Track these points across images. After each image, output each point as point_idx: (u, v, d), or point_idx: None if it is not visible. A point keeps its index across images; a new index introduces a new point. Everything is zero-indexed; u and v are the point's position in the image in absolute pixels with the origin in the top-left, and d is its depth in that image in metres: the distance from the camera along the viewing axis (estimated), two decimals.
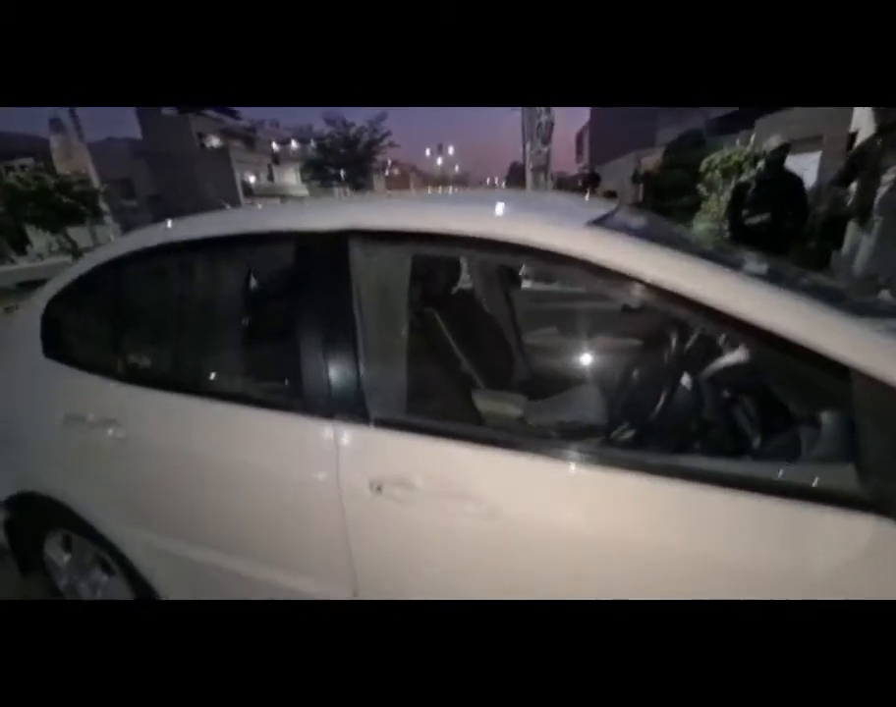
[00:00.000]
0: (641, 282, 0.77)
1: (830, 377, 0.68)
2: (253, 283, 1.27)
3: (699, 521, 0.75)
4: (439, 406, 1.14)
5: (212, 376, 1.21)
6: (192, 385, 1.15)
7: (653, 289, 0.76)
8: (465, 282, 2.23)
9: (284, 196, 39.89)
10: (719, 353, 1.14)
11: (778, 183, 3.75)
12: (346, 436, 0.96)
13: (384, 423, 0.95)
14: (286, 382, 1.08)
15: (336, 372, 0.97)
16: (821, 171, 7.14)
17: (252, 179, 35.80)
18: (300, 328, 1.01)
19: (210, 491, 1.12)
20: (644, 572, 0.79)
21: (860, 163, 3.28)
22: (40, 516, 1.48)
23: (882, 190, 3.16)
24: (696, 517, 0.75)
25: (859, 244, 3.31)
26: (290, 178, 40.99)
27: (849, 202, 3.43)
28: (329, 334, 0.98)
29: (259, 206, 1.38)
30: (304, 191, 41.64)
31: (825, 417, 0.81)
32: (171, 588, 1.35)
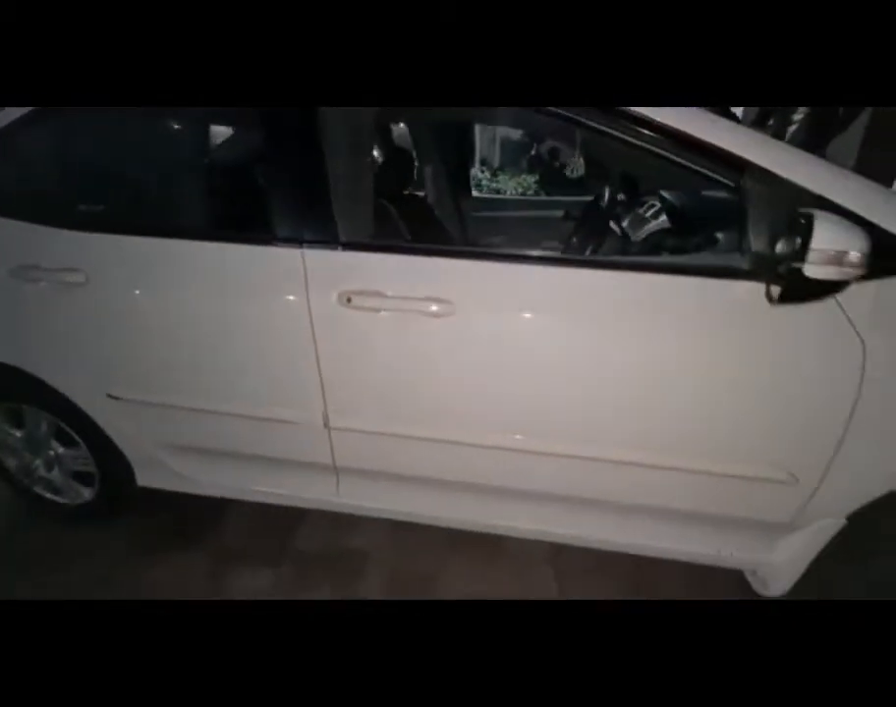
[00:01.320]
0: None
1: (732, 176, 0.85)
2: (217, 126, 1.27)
3: (630, 300, 0.92)
4: (402, 227, 1.24)
5: (177, 216, 1.22)
6: (155, 227, 1.15)
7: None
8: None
9: None
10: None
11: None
12: (316, 259, 1.03)
13: (353, 245, 1.03)
14: (254, 216, 1.12)
15: (307, 203, 1.03)
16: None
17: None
18: (271, 165, 1.05)
19: (182, 330, 1.15)
20: (581, 350, 0.96)
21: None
22: None
23: (791, 129, 3.53)
24: (627, 297, 0.92)
25: None
26: None
27: None
28: (299, 169, 1.03)
29: None
30: None
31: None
32: (140, 445, 1.37)
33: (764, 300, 0.84)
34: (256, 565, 1.45)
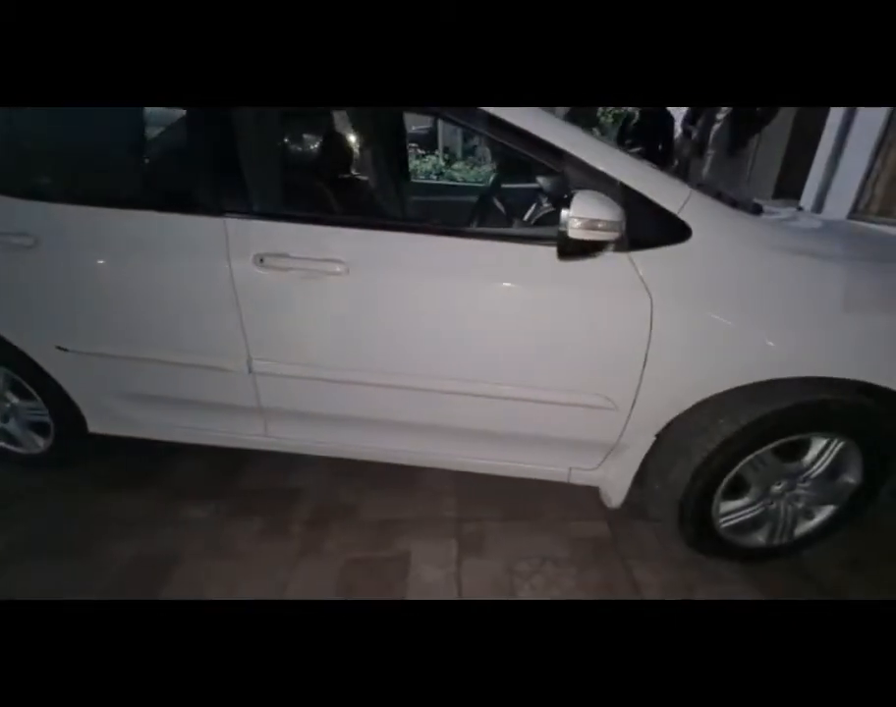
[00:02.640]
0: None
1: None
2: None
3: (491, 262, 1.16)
4: (308, 202, 1.45)
5: (117, 188, 1.39)
6: (98, 197, 1.32)
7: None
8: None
9: None
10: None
11: (653, 118, 4.34)
12: (235, 226, 1.23)
13: (265, 215, 1.24)
14: (181, 188, 1.30)
15: (226, 176, 1.23)
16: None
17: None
18: (196, 146, 1.25)
19: (120, 288, 1.33)
20: (444, 301, 1.19)
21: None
22: None
23: (715, 128, 3.84)
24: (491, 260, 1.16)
25: (698, 174, 4.02)
26: None
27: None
28: (220, 146, 1.22)
29: None
30: None
31: None
32: (89, 393, 1.55)
33: (551, 259, 1.08)
34: (200, 499, 1.66)
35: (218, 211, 1.24)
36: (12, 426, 1.71)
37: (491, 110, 1.10)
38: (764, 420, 1.14)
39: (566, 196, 0.99)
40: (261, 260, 1.21)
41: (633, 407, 1.19)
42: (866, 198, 4.05)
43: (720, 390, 1.13)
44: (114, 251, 1.31)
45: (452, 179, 5.21)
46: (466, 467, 1.46)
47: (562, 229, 0.98)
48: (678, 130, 4.38)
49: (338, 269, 1.19)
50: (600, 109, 8.48)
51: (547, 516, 1.58)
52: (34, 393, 1.60)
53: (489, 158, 6.90)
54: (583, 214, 0.94)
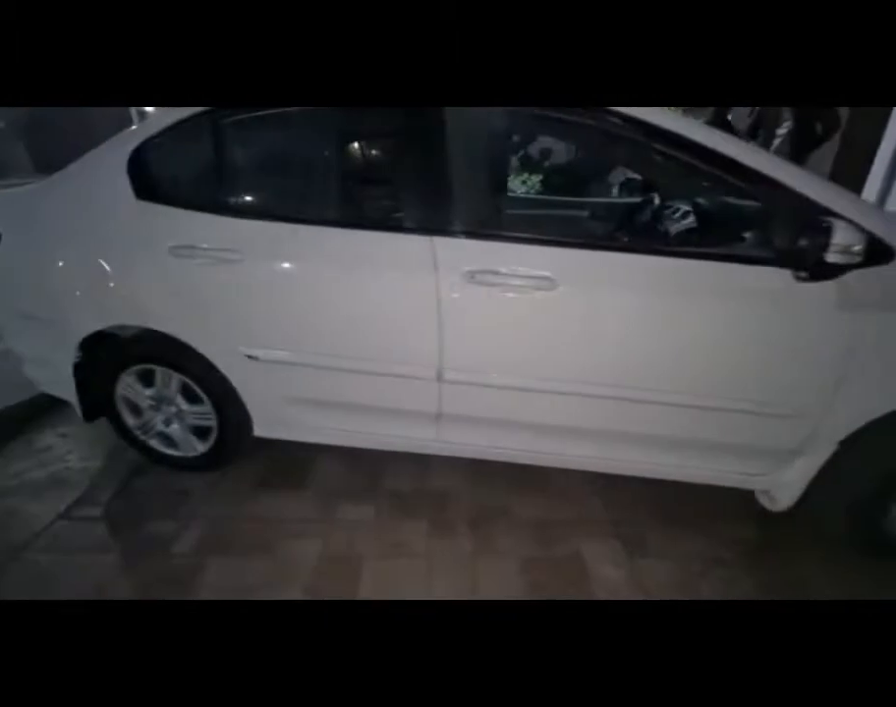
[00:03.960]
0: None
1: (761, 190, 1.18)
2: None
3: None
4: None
5: (327, 208, 1.48)
6: (306, 216, 1.41)
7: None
8: None
9: None
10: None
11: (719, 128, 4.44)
12: (444, 245, 1.32)
13: (472, 234, 1.32)
14: (391, 208, 1.39)
15: (434, 198, 1.32)
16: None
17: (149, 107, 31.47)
18: (404, 166, 1.34)
19: (319, 300, 1.42)
20: (648, 317, 1.28)
21: (762, 118, 4.06)
22: (124, 351, 1.66)
23: (776, 143, 3.95)
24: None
25: None
26: None
27: None
28: (429, 168, 1.32)
29: None
30: None
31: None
32: (266, 399, 1.63)
33: (780, 279, 1.17)
34: (356, 499, 1.74)
35: (427, 230, 1.33)
36: (174, 430, 1.79)
37: (690, 133, 1.18)
38: None
39: (809, 223, 1.07)
40: (472, 276, 1.30)
41: (823, 416, 1.28)
42: None
43: None
44: (318, 266, 1.40)
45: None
46: (638, 472, 1.54)
47: (816, 254, 1.06)
48: None
49: (546, 285, 1.28)
50: None
51: (699, 518, 1.66)
52: (205, 398, 1.68)
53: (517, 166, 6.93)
54: (842, 241, 1.03)
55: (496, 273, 1.29)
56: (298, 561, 1.49)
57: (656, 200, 1.68)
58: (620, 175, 2.00)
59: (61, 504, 1.72)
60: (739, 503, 1.56)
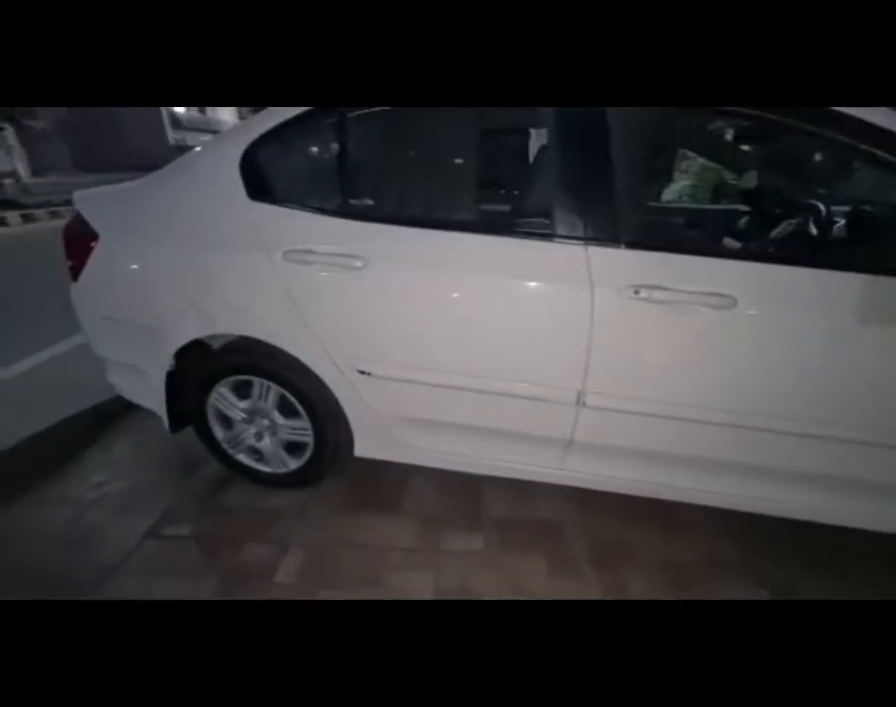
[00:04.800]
0: None
1: None
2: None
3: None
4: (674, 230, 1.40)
5: (462, 211, 1.35)
6: (438, 221, 1.29)
7: None
8: None
9: (218, 132, 36.46)
10: None
11: None
12: (600, 256, 1.18)
13: (633, 244, 1.18)
14: (543, 214, 1.25)
15: (591, 203, 1.18)
16: None
17: (180, 109, 32.18)
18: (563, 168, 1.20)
19: (446, 313, 1.29)
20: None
21: None
22: (222, 361, 1.55)
23: None
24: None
25: None
26: (224, 113, 37.44)
27: None
28: (588, 172, 1.18)
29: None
30: None
31: None
32: (375, 417, 1.50)
33: None
34: (458, 527, 1.60)
35: (581, 239, 1.19)
36: (265, 444, 1.68)
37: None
38: None
39: None
40: (636, 291, 1.15)
41: None
42: None
43: None
44: (450, 276, 1.27)
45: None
46: (785, 513, 1.37)
47: None
48: None
49: (723, 303, 1.13)
50: None
51: (839, 558, 1.49)
52: (304, 413, 1.56)
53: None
54: None
55: (664, 289, 1.14)
56: (413, 597, 1.36)
57: (823, 211, 1.52)
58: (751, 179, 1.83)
59: (146, 520, 1.61)
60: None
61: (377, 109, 1.30)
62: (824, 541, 1.50)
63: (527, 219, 1.27)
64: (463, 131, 1.33)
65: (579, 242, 1.19)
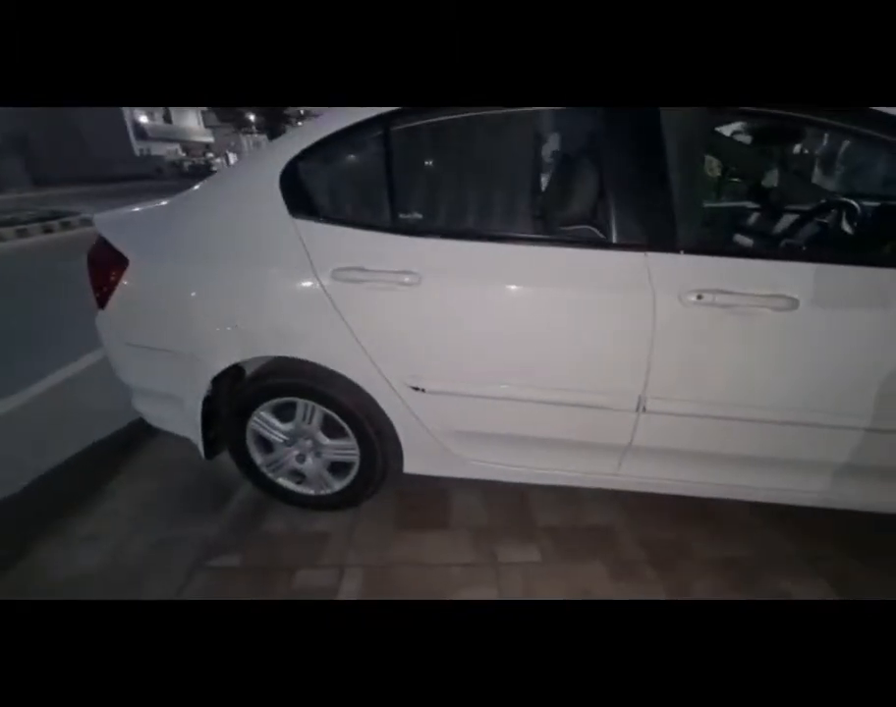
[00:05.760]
0: None
1: None
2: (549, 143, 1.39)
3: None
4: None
5: (518, 223, 1.34)
6: (494, 233, 1.27)
7: None
8: None
9: (185, 142, 35.61)
10: None
11: None
12: (660, 262, 1.18)
13: (692, 249, 1.19)
14: (601, 223, 1.25)
15: (650, 212, 1.19)
16: None
17: (143, 119, 31.29)
18: (617, 178, 1.20)
19: (503, 325, 1.27)
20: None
21: None
22: (264, 384, 1.50)
23: None
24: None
25: None
26: (190, 121, 36.57)
27: None
28: (644, 180, 1.18)
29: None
30: (208, 138, 37.52)
31: None
32: (427, 434, 1.46)
33: None
34: (512, 539, 1.59)
35: (641, 246, 1.19)
36: (308, 466, 1.63)
37: None
38: None
39: None
40: (699, 296, 1.16)
41: None
42: None
43: None
44: (507, 288, 1.25)
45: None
46: (845, 505, 1.40)
47: None
48: None
49: (783, 304, 1.15)
50: None
51: (890, 547, 1.53)
52: (351, 433, 1.52)
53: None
54: None
55: (727, 293, 1.16)
56: None
57: (858, 209, 1.57)
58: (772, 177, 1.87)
59: (190, 553, 1.54)
60: None
61: (424, 121, 1.29)
62: (870, 528, 1.55)
63: (583, 228, 1.26)
64: (514, 140, 1.31)
65: (639, 249, 1.19)
